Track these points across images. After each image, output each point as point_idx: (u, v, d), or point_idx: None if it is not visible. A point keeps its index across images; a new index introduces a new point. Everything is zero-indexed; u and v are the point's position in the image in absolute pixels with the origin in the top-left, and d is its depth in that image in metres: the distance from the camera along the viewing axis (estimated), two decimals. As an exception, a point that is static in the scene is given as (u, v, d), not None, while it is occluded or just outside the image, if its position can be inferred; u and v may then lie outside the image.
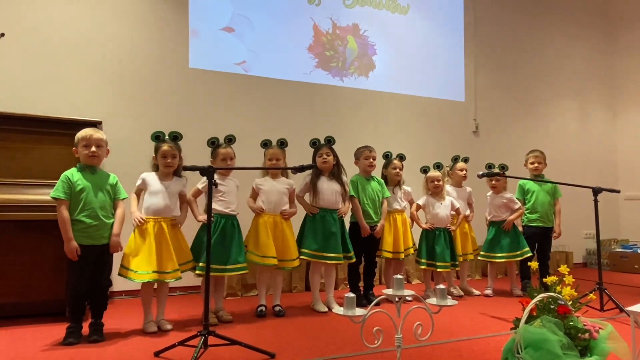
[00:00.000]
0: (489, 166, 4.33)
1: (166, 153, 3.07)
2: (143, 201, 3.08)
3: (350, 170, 3.99)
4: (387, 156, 4.15)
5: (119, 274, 2.94)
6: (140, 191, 3.11)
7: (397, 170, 4.09)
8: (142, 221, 2.96)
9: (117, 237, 2.85)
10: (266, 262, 3.41)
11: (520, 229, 4.38)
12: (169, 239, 3.00)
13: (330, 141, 3.72)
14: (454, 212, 4.25)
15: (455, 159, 4.48)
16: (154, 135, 3.11)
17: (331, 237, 3.59)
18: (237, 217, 3.40)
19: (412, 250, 4.11)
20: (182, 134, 3.16)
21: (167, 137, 3.12)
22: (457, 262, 4.15)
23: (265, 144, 3.62)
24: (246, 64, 4.86)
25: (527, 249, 4.23)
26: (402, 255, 4.02)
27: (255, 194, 3.60)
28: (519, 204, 4.33)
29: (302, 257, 3.61)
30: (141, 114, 4.34)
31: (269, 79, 4.94)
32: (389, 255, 3.94)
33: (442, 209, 4.16)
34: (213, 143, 3.39)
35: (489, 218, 4.41)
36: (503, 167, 4.39)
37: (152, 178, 3.10)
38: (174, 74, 4.54)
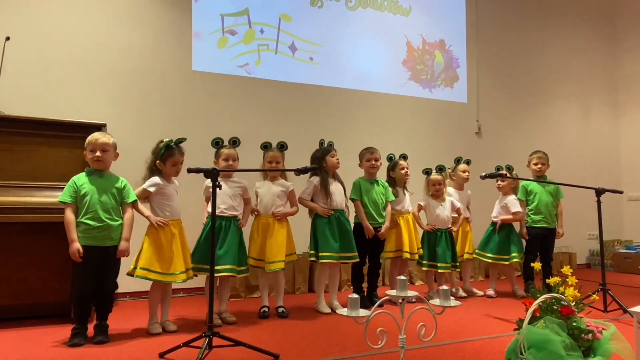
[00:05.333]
0: (498, 168, 4.36)
1: (177, 161, 3.12)
2: (158, 205, 3.08)
3: (353, 171, 4.01)
4: (391, 158, 4.16)
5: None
6: (149, 194, 3.09)
7: (405, 170, 4.11)
8: (166, 223, 3.01)
9: (126, 241, 2.87)
10: (255, 265, 3.48)
11: (525, 230, 4.39)
12: (182, 241, 3.11)
13: (332, 144, 3.78)
14: (455, 213, 4.25)
15: (457, 161, 4.48)
16: (164, 146, 3.08)
17: (348, 237, 3.66)
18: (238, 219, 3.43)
19: (421, 251, 4.13)
20: (185, 137, 3.17)
21: (173, 143, 3.12)
22: (457, 263, 4.16)
23: (265, 147, 3.63)
24: (249, 66, 4.88)
25: (508, 256, 4.25)
26: (417, 256, 4.06)
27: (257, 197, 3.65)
28: (516, 209, 4.26)
29: (323, 260, 3.58)
30: (145, 116, 4.36)
31: (272, 81, 4.95)
32: (408, 256, 3.97)
33: (443, 210, 4.17)
34: (217, 143, 3.41)
35: (492, 216, 4.43)
36: (509, 168, 4.42)
37: (164, 182, 3.11)
38: (178, 77, 4.56)
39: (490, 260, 4.35)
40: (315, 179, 3.70)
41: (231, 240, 3.28)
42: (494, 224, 4.38)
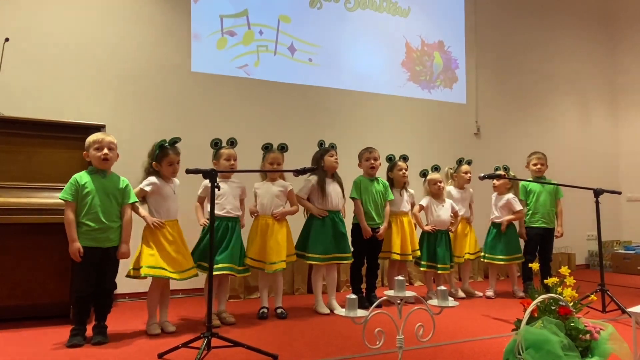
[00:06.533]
0: (496, 168, 4.37)
1: (173, 161, 3.10)
2: (154, 205, 3.08)
3: (354, 173, 4.02)
4: (390, 159, 4.17)
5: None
6: (146, 194, 3.09)
7: (403, 171, 4.11)
8: (162, 224, 3.01)
9: (126, 244, 2.88)
10: (255, 266, 3.47)
11: (524, 230, 4.40)
12: (181, 241, 3.11)
13: (334, 147, 3.79)
14: (452, 215, 4.26)
15: (459, 162, 4.50)
16: (158, 145, 3.09)
17: (342, 239, 3.67)
18: (240, 220, 3.45)
19: (418, 253, 4.12)
20: (180, 137, 3.16)
21: (167, 143, 3.11)
22: (453, 264, 4.18)
23: (267, 148, 3.63)
24: (248, 67, 4.89)
25: (520, 254, 4.33)
26: (410, 257, 4.05)
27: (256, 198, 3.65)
28: (519, 207, 4.34)
29: (310, 261, 3.63)
30: (144, 117, 4.36)
31: (271, 82, 4.96)
32: (397, 257, 3.95)
33: (444, 211, 4.18)
34: (216, 144, 3.42)
35: (491, 218, 4.44)
36: (505, 168, 4.43)
37: (161, 182, 3.11)
38: (177, 78, 4.56)
39: (503, 263, 4.32)
40: (314, 178, 3.71)
41: (236, 240, 3.35)
42: (496, 225, 4.37)
